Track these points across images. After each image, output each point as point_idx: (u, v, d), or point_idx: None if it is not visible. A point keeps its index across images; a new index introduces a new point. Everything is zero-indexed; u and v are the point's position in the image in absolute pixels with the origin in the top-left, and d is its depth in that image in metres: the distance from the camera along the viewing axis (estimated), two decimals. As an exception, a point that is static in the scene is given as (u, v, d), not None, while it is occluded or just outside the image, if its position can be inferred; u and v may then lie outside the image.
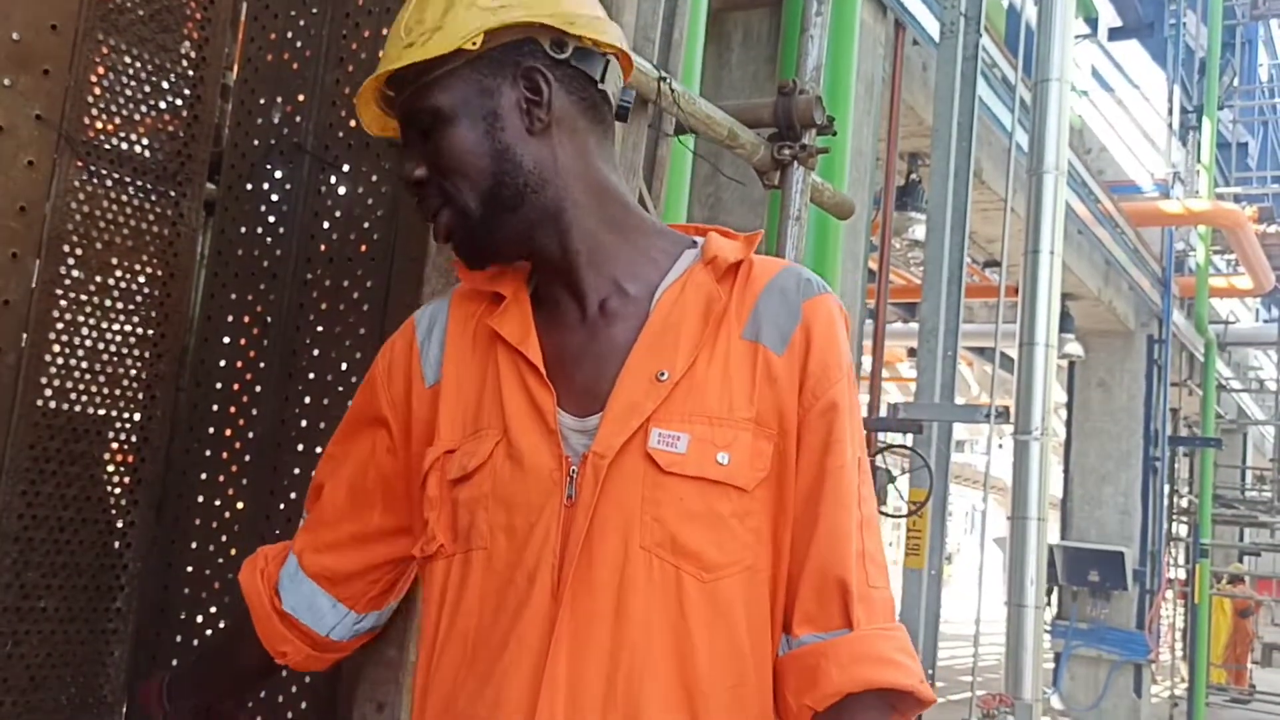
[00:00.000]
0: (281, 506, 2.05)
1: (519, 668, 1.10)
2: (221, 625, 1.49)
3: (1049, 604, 10.41)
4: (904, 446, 4.98)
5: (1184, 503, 12.57)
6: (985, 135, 6.21)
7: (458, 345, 1.27)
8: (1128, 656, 10.33)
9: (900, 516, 5.09)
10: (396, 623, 1.53)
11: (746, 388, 1.16)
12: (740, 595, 1.13)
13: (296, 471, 2.05)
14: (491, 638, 1.13)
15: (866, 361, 5.37)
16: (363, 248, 2.06)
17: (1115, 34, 11.64)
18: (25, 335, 1.92)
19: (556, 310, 1.25)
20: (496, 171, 1.20)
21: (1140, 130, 11.54)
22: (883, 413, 5.17)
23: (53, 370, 1.96)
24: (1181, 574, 12.63)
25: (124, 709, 2.09)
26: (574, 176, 1.22)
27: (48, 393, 1.95)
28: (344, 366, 2.04)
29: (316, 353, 2.07)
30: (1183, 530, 12.51)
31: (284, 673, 1.97)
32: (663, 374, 1.14)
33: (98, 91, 2.03)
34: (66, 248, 1.98)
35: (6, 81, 1.87)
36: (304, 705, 1.96)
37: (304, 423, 2.06)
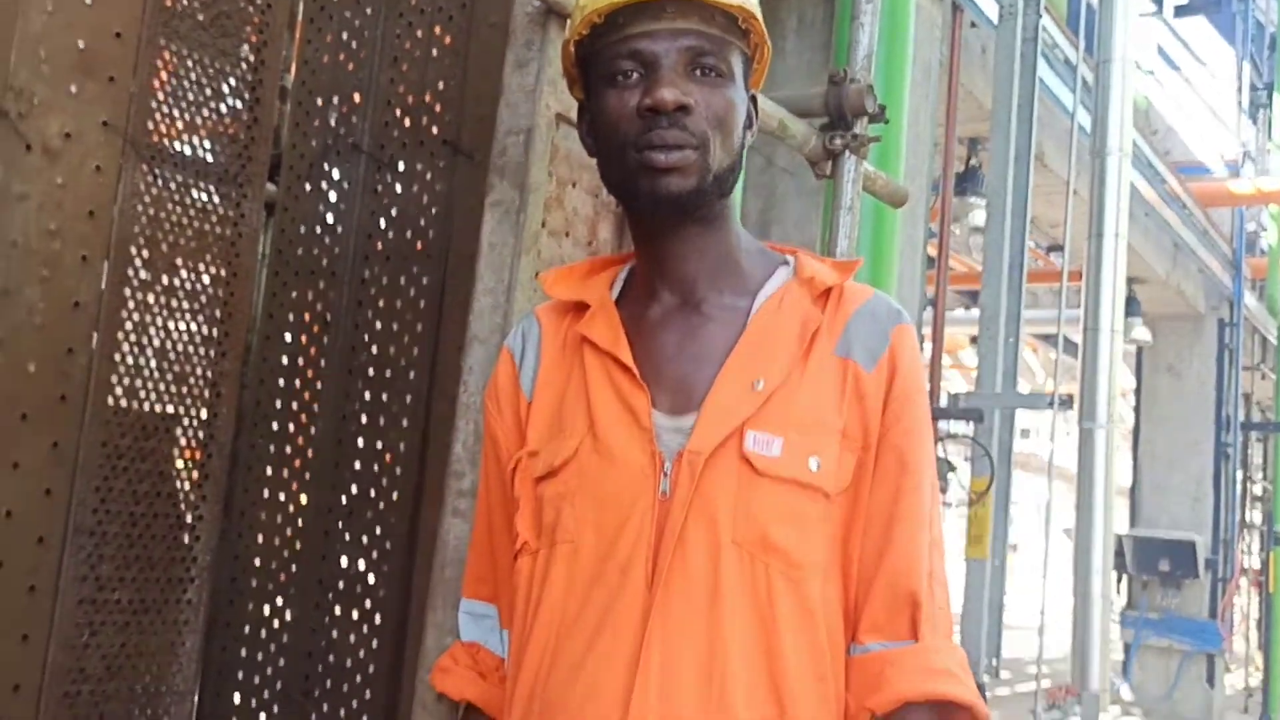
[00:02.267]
0: (343, 500, 2.09)
1: (613, 655, 1.13)
2: None
3: (1118, 594, 10.25)
4: (965, 435, 4.93)
5: (1257, 489, 12.27)
6: (1046, 117, 6.11)
7: (550, 356, 1.31)
8: (1200, 647, 10.13)
9: (962, 506, 5.05)
10: (454, 615, 1.55)
11: (836, 401, 1.21)
12: (819, 595, 1.18)
13: (358, 466, 2.09)
14: (580, 628, 1.16)
15: (926, 349, 5.32)
16: (419, 245, 2.09)
17: (1181, 10, 11.37)
18: (95, 335, 1.97)
19: (649, 310, 1.28)
20: (738, 159, 1.25)
21: (1209, 109, 11.28)
22: (943, 402, 5.12)
23: (122, 369, 2.01)
24: (1255, 562, 12.35)
25: (195, 697, 2.15)
26: (738, 194, 1.32)
27: (118, 391, 2.01)
28: (403, 362, 2.07)
29: (375, 349, 2.11)
30: (1256, 517, 12.22)
31: (348, 662, 2.02)
32: (759, 383, 1.19)
33: (160, 96, 2.08)
34: (133, 249, 2.03)
35: (73, 89, 1.92)
36: (368, 695, 2.00)
37: (364, 418, 2.10)
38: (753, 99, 1.31)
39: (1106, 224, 5.07)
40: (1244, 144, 10.74)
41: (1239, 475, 10.90)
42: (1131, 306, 8.91)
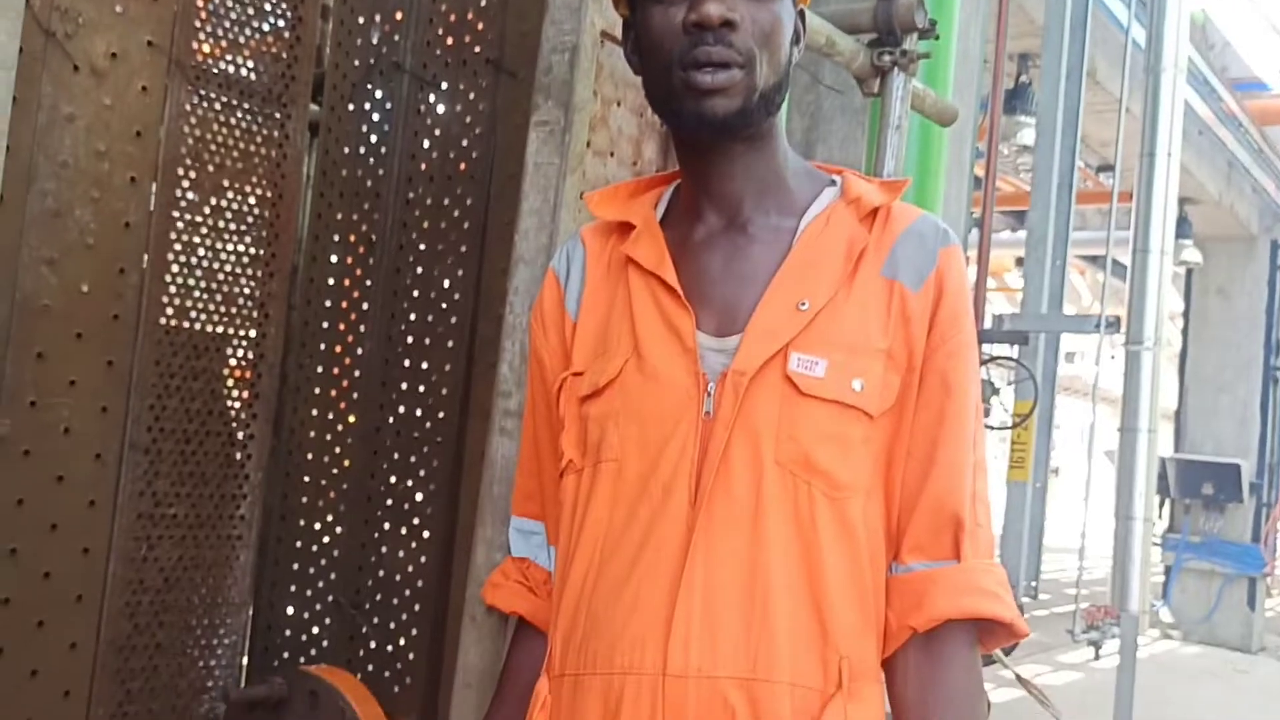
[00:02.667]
0: (390, 420, 2.12)
1: (656, 572, 1.15)
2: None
3: (1160, 517, 10.22)
4: (1009, 358, 4.90)
5: (1306, 413, 12.12)
6: (1100, 33, 5.95)
7: (594, 277, 1.31)
8: (1241, 570, 10.11)
9: (1005, 429, 5.03)
10: (502, 530, 1.58)
11: (882, 322, 1.21)
12: (861, 515, 1.19)
13: (404, 386, 2.12)
14: (624, 545, 1.18)
15: (971, 272, 5.26)
16: (462, 166, 2.09)
17: (1244, -81, 10.95)
18: (146, 256, 2.00)
19: (694, 230, 1.27)
20: (785, 72, 1.24)
21: (1269, 23, 10.92)
22: (988, 324, 5.08)
23: (172, 290, 2.04)
24: (1302, 487, 12.24)
25: (250, 609, 2.21)
26: (783, 112, 1.30)
27: (169, 311, 2.04)
28: (447, 283, 2.08)
29: (420, 270, 2.12)
30: (1305, 442, 12.09)
31: (398, 576, 2.06)
32: (804, 303, 1.19)
33: (204, 15, 2.07)
34: (180, 170, 2.05)
35: (119, 9, 1.92)
36: (417, 608, 2.05)
37: (410, 339, 2.12)
38: (800, 14, 1.28)
39: (1159, 143, 4.96)
40: (1305, 59, 10.39)
41: (1287, 399, 10.75)
42: (1182, 228, 8.75)
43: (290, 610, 2.19)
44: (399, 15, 2.19)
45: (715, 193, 1.26)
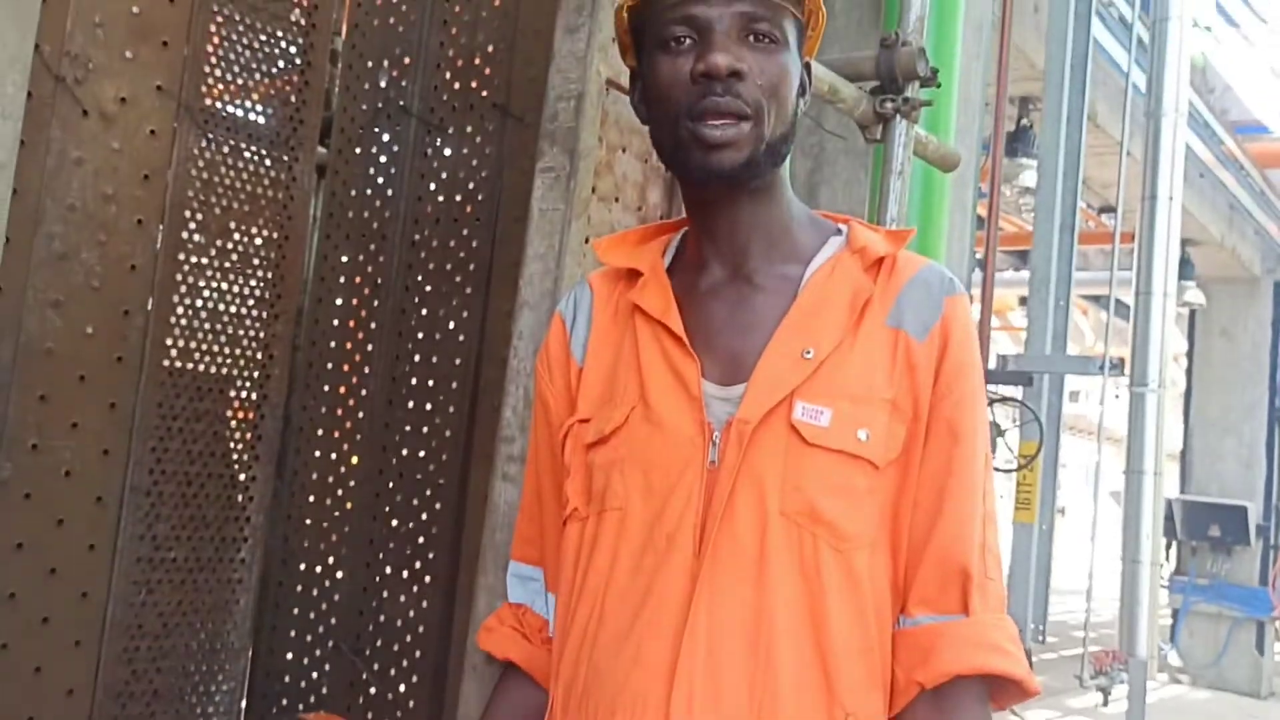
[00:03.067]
0: (394, 462, 2.12)
1: (659, 624, 1.14)
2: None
3: (1166, 559, 10.15)
4: (1013, 399, 4.89)
5: (1312, 455, 12.07)
6: (1100, 77, 5.98)
7: (601, 323, 1.31)
8: (1250, 613, 10.02)
9: (1009, 470, 5.01)
10: (503, 578, 1.57)
11: (886, 371, 1.20)
12: (866, 567, 1.17)
13: (408, 428, 2.11)
14: (628, 595, 1.17)
15: (975, 311, 5.27)
16: (468, 209, 2.09)
17: (1243, -35, 11.05)
18: (151, 298, 2.00)
19: (701, 279, 1.27)
20: (791, 128, 1.24)
21: (1269, 67, 10.99)
22: (992, 364, 5.08)
23: (177, 331, 2.04)
24: (1308, 529, 12.17)
25: (250, 653, 2.20)
26: (788, 163, 1.30)
27: (173, 353, 2.04)
28: (451, 325, 2.08)
29: (425, 312, 2.12)
30: (1310, 484, 12.03)
31: (399, 621, 2.04)
32: (808, 352, 1.18)
33: (213, 60, 2.09)
34: (188, 213, 2.06)
35: (128, 54, 1.94)
36: (418, 654, 2.04)
37: (414, 380, 2.11)
38: (806, 66, 1.29)
39: (1160, 186, 4.98)
40: (1305, 102, 10.45)
41: (1293, 441, 10.71)
42: (1185, 269, 8.75)
43: (290, 655, 2.17)
44: (407, 60, 2.21)
45: (721, 242, 1.26)
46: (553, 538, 1.33)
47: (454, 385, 2.06)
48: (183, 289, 2.05)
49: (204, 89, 2.07)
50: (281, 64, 2.21)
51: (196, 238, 2.08)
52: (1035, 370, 4.97)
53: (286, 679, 2.17)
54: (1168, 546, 10.18)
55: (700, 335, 1.22)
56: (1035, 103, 6.48)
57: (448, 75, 2.14)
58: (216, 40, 2.09)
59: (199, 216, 2.07)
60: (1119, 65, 5.97)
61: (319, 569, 2.17)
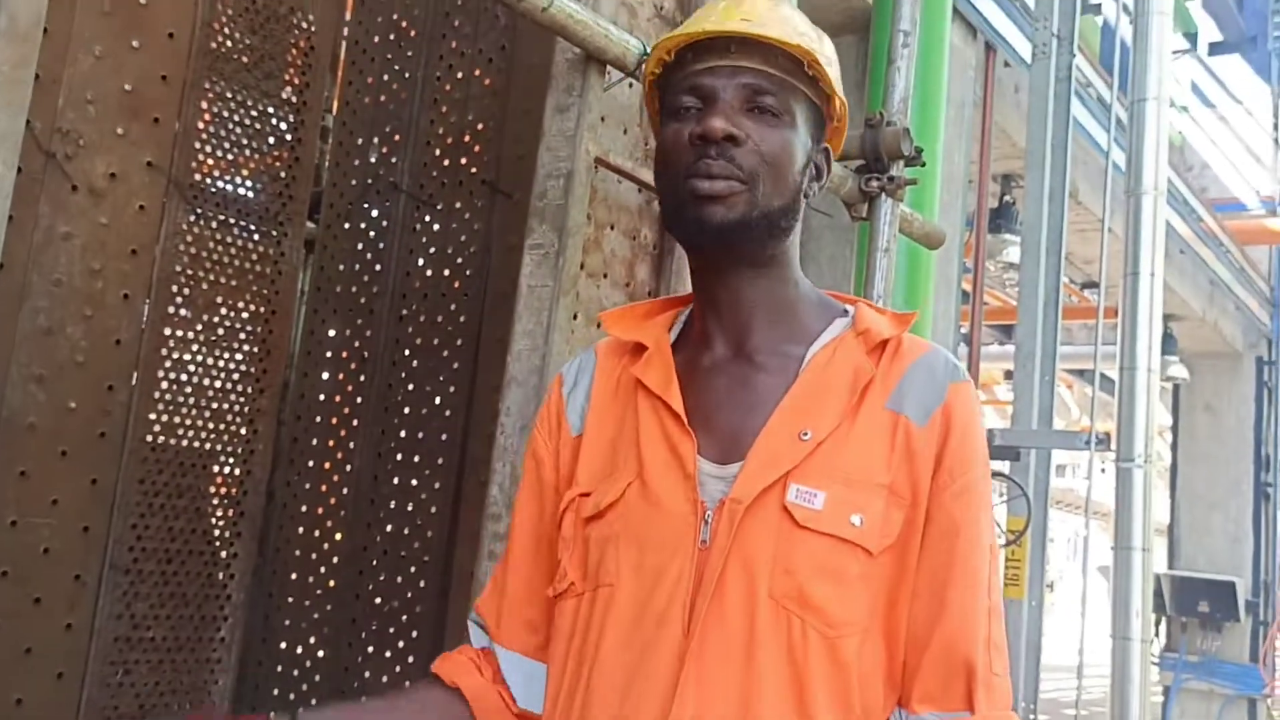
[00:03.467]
0: (378, 538, 2.09)
1: (646, 703, 1.12)
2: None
3: (1156, 635, 10.07)
4: (1001, 474, 4.88)
5: (1299, 530, 12.06)
6: (1080, 155, 6.08)
7: (602, 395, 1.31)
8: (1241, 691, 9.92)
9: (999, 546, 4.98)
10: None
11: (885, 455, 1.18)
12: (855, 655, 1.15)
13: (393, 504, 2.09)
14: (615, 672, 1.15)
15: (961, 387, 5.26)
16: (456, 284, 2.10)
17: (1216, 48, 11.30)
18: (136, 373, 1.99)
19: (704, 355, 1.27)
20: (792, 202, 1.24)
21: (1245, 146, 11.18)
22: (978, 439, 5.06)
23: (161, 406, 2.03)
24: (1297, 605, 12.11)
25: (228, 736, 2.15)
26: (797, 241, 1.30)
27: (156, 428, 2.02)
28: (438, 400, 2.07)
29: (412, 387, 2.12)
30: (1298, 559, 12.00)
31: (390, 629, 2.00)
32: (806, 433, 1.17)
33: (204, 137, 2.10)
34: (174, 288, 2.05)
35: (119, 130, 1.95)
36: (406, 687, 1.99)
37: (400, 456, 2.10)
38: (825, 152, 1.30)
39: (1142, 263, 5.02)
40: (1281, 181, 10.63)
41: (1279, 516, 10.71)
42: (1168, 344, 8.81)
43: (269, 737, 2.12)
44: (397, 136, 2.23)
45: (725, 318, 1.26)
46: (512, 587, 1.31)
47: (440, 461, 2.04)
48: (168, 364, 2.04)
49: (194, 165, 2.08)
50: (272, 140, 2.22)
51: (183, 312, 2.07)
52: (1022, 445, 4.97)
53: (265, 762, 2.12)
54: (1157, 622, 10.11)
55: (700, 413, 1.22)
56: (1017, 180, 6.56)
57: (437, 152, 2.15)
58: (208, 117, 2.11)
59: (186, 291, 2.07)
60: (1099, 144, 6.07)
61: (300, 649, 2.13)
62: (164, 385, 2.04)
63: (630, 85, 1.64)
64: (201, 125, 2.10)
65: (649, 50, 1.53)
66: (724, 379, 1.24)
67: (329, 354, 2.24)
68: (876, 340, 1.24)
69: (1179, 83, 9.94)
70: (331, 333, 2.24)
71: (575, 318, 1.51)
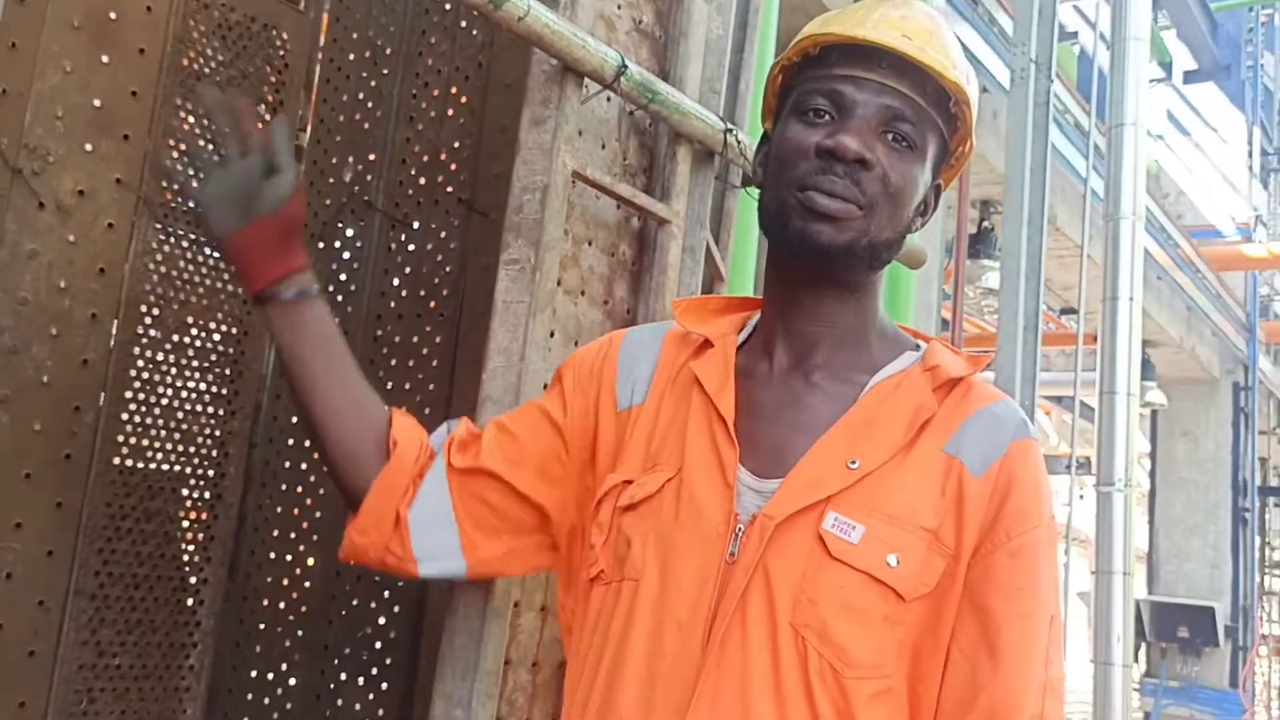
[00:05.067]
0: (352, 563, 2.05)
1: (662, 712, 1.10)
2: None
3: (1136, 661, 10.06)
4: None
5: (1277, 555, 12.13)
6: (1059, 181, 6.12)
7: (662, 380, 1.27)
8: (1222, 716, 9.94)
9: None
10: (463, 685, 1.50)
11: (934, 499, 1.13)
12: (866, 701, 1.09)
13: (366, 528, 2.05)
14: (632, 676, 1.13)
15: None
16: (432, 304, 2.07)
17: (1191, 77, 11.45)
18: (104, 394, 1.95)
19: (763, 365, 1.24)
20: (902, 233, 1.20)
21: (1220, 173, 11.31)
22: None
23: (129, 429, 1.98)
24: (1276, 629, 12.15)
25: (196, 767, 2.09)
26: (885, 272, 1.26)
27: (124, 451, 1.98)
28: (413, 422, 2.04)
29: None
30: (1276, 584, 12.06)
31: (364, 655, 1.96)
32: (854, 462, 1.13)
33: (176, 154, 2.07)
34: (144, 308, 2.01)
35: (88, 147, 1.91)
36: (380, 713, 1.95)
37: (374, 479, 2.06)
38: (937, 189, 1.26)
39: (1121, 287, 5.04)
40: (1255, 208, 10.75)
41: (1257, 541, 10.77)
42: (1146, 370, 8.87)
43: (238, 768, 2.07)
44: (372, 155, 2.20)
45: (794, 332, 1.22)
46: (495, 438, 1.31)
47: (415, 484, 2.01)
48: (136, 385, 2.00)
49: (164, 183, 2.05)
50: (245, 159, 2.19)
51: (153, 332, 2.03)
52: (1002, 470, 4.95)
53: (233, 794, 2.06)
54: (1137, 648, 10.12)
55: (748, 421, 1.18)
56: (996, 205, 6.61)
57: (413, 171, 2.13)
58: (178, 134, 2.07)
59: (155, 311, 2.03)
60: (1077, 171, 6.12)
61: (271, 675, 2.08)
62: (132, 407, 2.00)
63: (609, 99, 1.63)
64: (173, 142, 2.07)
65: (626, 63, 1.51)
66: (779, 393, 1.20)
67: (302, 375, 2.20)
68: (945, 378, 1.19)
69: (1154, 111, 10.05)
70: (305, 354, 2.20)
71: (552, 335, 1.49)
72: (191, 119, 2.09)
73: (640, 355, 1.30)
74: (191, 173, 1.45)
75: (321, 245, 2.23)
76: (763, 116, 1.30)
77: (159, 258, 2.04)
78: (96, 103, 1.93)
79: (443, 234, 2.07)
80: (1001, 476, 1.14)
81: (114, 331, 1.97)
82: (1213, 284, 9.05)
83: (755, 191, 1.25)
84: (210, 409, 2.12)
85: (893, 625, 1.10)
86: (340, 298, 2.19)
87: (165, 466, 2.05)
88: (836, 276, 1.18)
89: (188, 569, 2.08)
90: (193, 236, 2.09)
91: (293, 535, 2.14)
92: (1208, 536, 10.36)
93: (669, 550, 1.14)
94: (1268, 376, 10.68)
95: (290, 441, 2.18)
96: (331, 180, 2.24)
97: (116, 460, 1.96)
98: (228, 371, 2.14)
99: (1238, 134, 11.12)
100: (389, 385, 2.08)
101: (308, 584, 2.10)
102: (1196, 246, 8.59)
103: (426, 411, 2.02)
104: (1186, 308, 9.17)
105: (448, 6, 2.13)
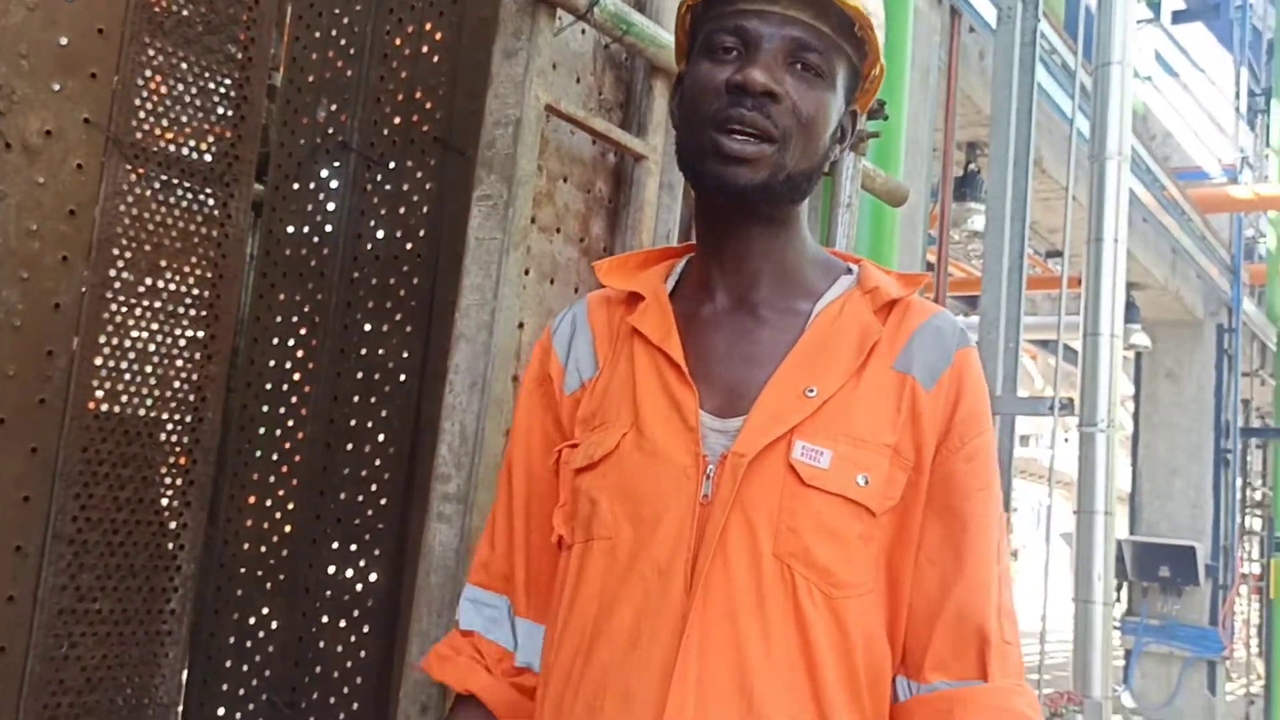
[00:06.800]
0: (332, 506, 2.04)
1: (649, 664, 1.09)
2: None
3: (1118, 600, 10.18)
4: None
5: (1257, 495, 12.23)
6: (1045, 123, 6.08)
7: (605, 346, 1.27)
8: (1201, 653, 10.07)
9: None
10: (439, 624, 1.50)
11: (891, 416, 1.16)
12: (858, 617, 1.13)
13: (346, 471, 2.04)
14: (615, 631, 1.12)
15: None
16: (409, 245, 2.04)
17: (1179, 17, 11.35)
18: (76, 338, 1.92)
19: (703, 307, 1.24)
20: (819, 162, 1.21)
21: (1207, 115, 11.26)
22: (943, 407, 5.06)
23: (103, 373, 1.96)
24: (1256, 569, 12.30)
25: (179, 709, 2.10)
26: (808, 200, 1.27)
27: (99, 395, 1.96)
28: (391, 365, 2.02)
29: (364, 351, 2.06)
30: (1256, 524, 12.19)
31: (335, 673, 1.96)
32: (811, 390, 1.15)
33: (145, 94, 2.03)
34: (116, 250, 1.98)
35: (55, 86, 1.87)
36: (355, 707, 1.95)
37: (353, 422, 2.05)
38: (853, 114, 1.26)
39: (1106, 228, 5.02)
40: (1242, 150, 10.72)
41: (1239, 482, 10.86)
42: (1130, 313, 8.88)
43: (221, 710, 2.08)
44: (346, 94, 2.16)
45: (729, 271, 1.22)
46: (538, 563, 1.27)
47: (394, 426, 2.00)
48: (109, 328, 1.98)
49: (134, 123, 2.01)
50: (216, 98, 2.15)
51: (125, 275, 2.00)
52: (986, 411, 4.96)
53: (218, 736, 2.07)
54: (1119, 587, 10.23)
55: (699, 364, 1.18)
56: (982, 147, 6.56)
57: (388, 110, 2.09)
58: (148, 73, 2.03)
59: (128, 254, 2.00)
60: (1063, 111, 6.07)
61: (252, 619, 2.08)
62: (106, 351, 1.98)
63: (584, 32, 1.60)
64: (141, 82, 2.03)
65: (601, -5, 1.48)
66: (725, 332, 1.21)
67: (279, 319, 2.18)
68: (885, 300, 1.21)
69: (1142, 51, 9.98)
70: (281, 297, 2.18)
71: (527, 273, 1.47)
72: (161, 57, 2.05)
73: (573, 334, 1.29)
74: None
75: (296, 186, 2.20)
76: (676, 57, 1.29)
77: (130, 199, 2.01)
78: (63, 40, 1.88)
79: (419, 174, 2.04)
80: (951, 386, 1.18)
81: (85, 274, 1.94)
82: (1198, 226, 9.04)
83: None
84: (186, 353, 2.10)
85: (867, 542, 1.14)
86: (316, 239, 2.16)
87: (141, 411, 2.03)
88: (760, 213, 1.19)
89: (167, 514, 2.07)
90: (165, 178, 2.06)
91: (272, 479, 2.13)
92: (1190, 477, 10.44)
93: (638, 502, 1.14)
94: (1251, 318, 10.71)
95: (268, 386, 2.17)
96: (305, 120, 2.21)
97: (91, 405, 1.94)
98: (203, 315, 2.12)
99: (1225, 75, 11.06)
100: (366, 327, 2.06)
101: (288, 528, 2.09)
102: (1182, 188, 8.55)
103: (405, 355, 2.01)
104: (1171, 250, 9.16)
105: (421, -60, 2.09)
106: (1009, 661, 1.15)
